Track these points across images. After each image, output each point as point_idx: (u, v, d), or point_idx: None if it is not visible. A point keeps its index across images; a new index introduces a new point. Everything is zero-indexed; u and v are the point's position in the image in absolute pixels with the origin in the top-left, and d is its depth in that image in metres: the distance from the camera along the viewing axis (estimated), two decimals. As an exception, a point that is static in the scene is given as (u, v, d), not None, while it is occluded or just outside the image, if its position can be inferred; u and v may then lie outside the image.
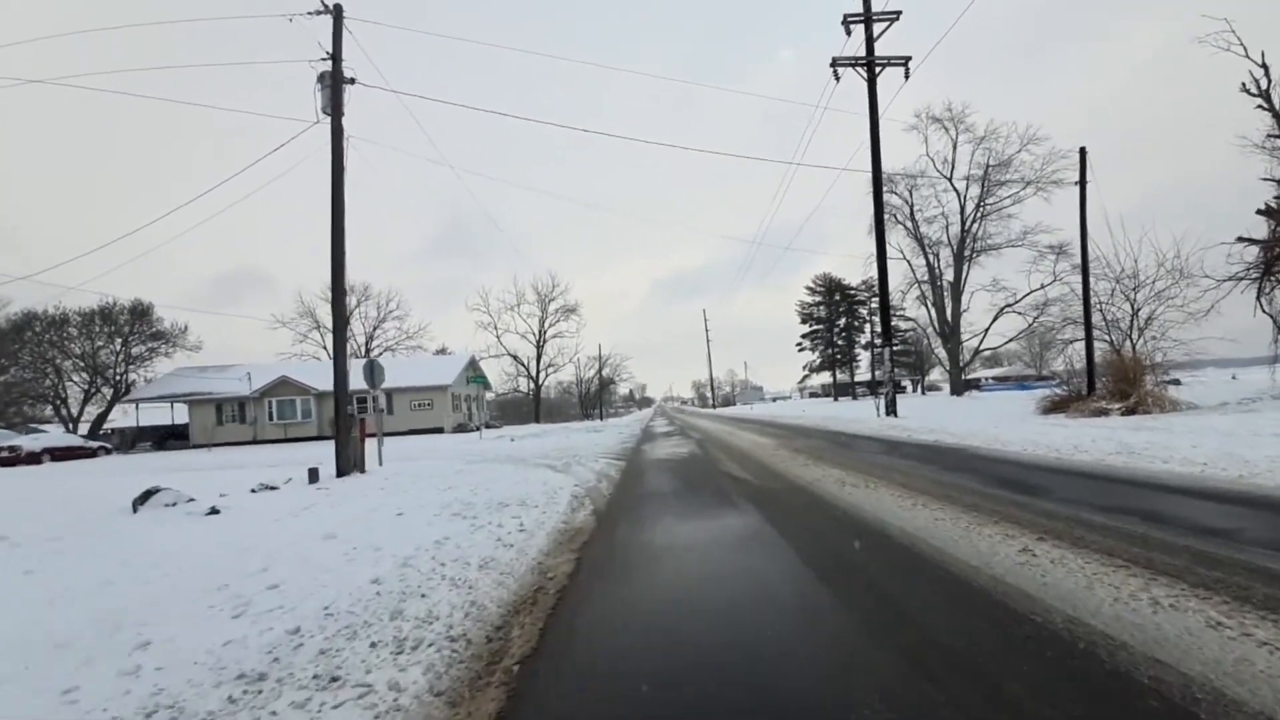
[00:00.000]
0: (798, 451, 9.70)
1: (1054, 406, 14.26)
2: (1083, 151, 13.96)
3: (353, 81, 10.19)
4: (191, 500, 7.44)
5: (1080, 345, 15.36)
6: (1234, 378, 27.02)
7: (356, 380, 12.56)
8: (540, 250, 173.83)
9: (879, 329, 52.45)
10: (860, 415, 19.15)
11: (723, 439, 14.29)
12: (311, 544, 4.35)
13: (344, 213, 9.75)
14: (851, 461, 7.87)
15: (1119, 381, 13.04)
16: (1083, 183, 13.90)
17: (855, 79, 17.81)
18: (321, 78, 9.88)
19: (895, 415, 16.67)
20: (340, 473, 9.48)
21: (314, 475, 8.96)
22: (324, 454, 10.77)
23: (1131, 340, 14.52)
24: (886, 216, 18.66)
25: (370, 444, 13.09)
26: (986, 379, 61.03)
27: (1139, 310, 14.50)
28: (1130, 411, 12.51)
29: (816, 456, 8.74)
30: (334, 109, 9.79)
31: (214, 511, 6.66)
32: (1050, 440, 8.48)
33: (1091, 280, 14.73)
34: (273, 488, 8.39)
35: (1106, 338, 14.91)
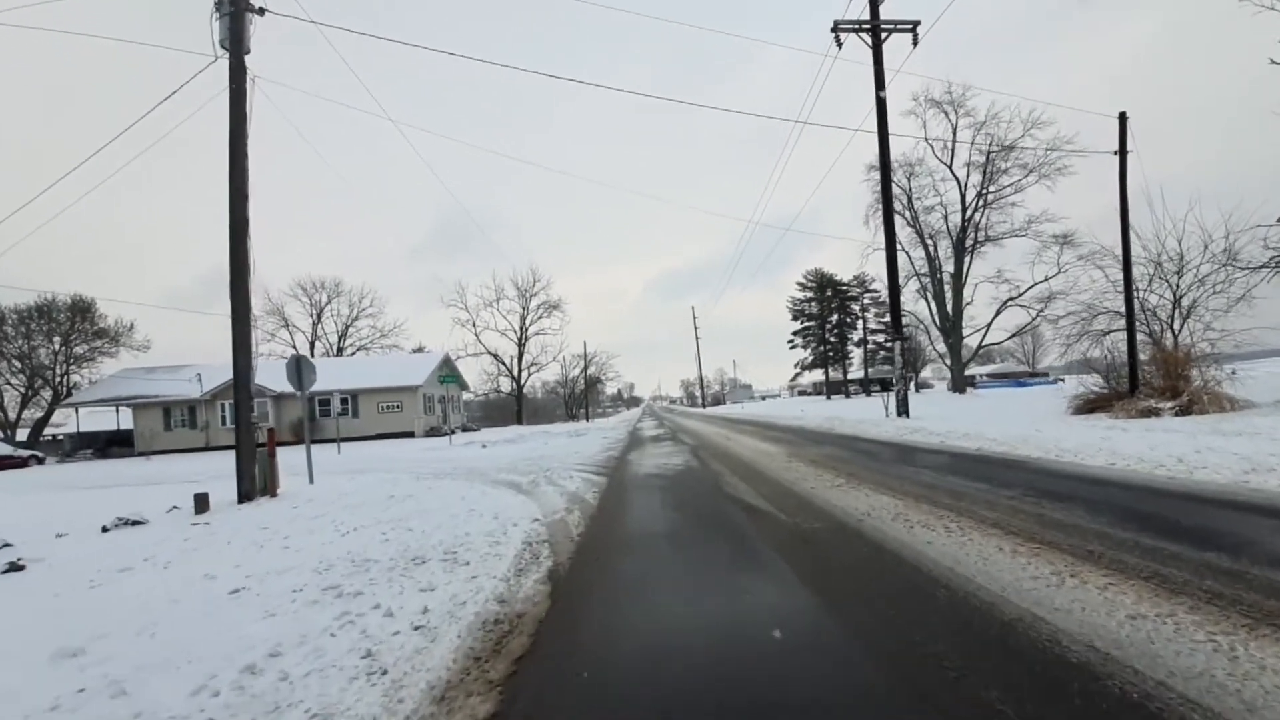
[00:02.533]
0: (817, 465, 7.91)
1: (1091, 405, 12.67)
2: (1122, 116, 12.36)
3: (261, 12, 8.19)
4: (7, 546, 5.49)
5: (1114, 337, 13.84)
6: (1233, 373, 25.72)
7: (282, 381, 10.58)
8: (526, 248, 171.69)
9: (872, 326, 51.35)
10: (867, 415, 17.47)
11: (721, 445, 12.50)
12: (28, 672, 2.44)
13: (246, 171, 7.74)
14: (895, 482, 6.09)
15: (1167, 377, 11.49)
16: (1123, 152, 12.30)
17: (858, 50, 16.21)
18: (219, 4, 7.87)
19: (908, 416, 15.01)
20: (243, 497, 7.49)
21: (201, 503, 6.96)
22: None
23: (1173, 331, 13.01)
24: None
25: (303, 455, 11.11)
26: (981, 376, 59.91)
27: (1181, 297, 12.98)
28: (1184, 411, 10.96)
29: (845, 473, 6.95)
30: (233, 42, 7.78)
31: (14, 568, 4.71)
32: (1131, 449, 6.81)
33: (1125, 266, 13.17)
34: (139, 522, 6.39)
35: (1144, 328, 13.38)
